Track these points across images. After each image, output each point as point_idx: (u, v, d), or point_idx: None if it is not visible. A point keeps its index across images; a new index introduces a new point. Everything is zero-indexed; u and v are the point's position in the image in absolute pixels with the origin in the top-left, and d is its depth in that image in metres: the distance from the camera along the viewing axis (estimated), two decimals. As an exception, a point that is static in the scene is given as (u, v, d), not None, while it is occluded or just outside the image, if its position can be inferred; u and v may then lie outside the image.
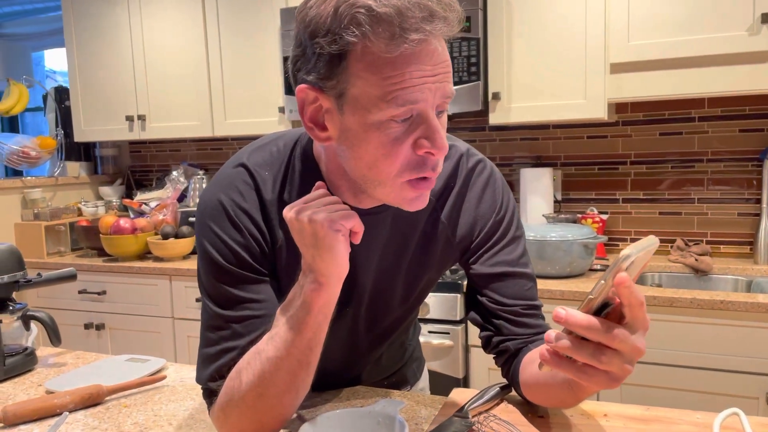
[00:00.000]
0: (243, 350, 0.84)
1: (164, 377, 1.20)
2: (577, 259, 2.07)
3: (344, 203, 0.78)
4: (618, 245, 2.48)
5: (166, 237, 2.68)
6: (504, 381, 1.02)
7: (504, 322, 0.96)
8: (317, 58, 0.73)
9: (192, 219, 2.80)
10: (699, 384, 1.81)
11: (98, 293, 2.72)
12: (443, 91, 0.73)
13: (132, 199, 3.15)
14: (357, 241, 0.78)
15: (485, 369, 2.07)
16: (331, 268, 0.76)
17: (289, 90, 2.54)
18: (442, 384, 2.03)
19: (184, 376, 1.24)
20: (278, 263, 0.90)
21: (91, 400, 1.08)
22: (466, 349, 2.09)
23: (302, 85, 0.76)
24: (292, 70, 0.79)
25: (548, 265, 2.06)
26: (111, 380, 1.15)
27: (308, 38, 0.74)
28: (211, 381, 0.87)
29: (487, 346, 1.00)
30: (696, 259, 2.21)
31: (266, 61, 2.65)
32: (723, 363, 1.79)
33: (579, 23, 2.13)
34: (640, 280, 2.23)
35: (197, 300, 2.52)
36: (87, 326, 2.74)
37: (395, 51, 0.69)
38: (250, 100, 2.71)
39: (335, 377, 1.08)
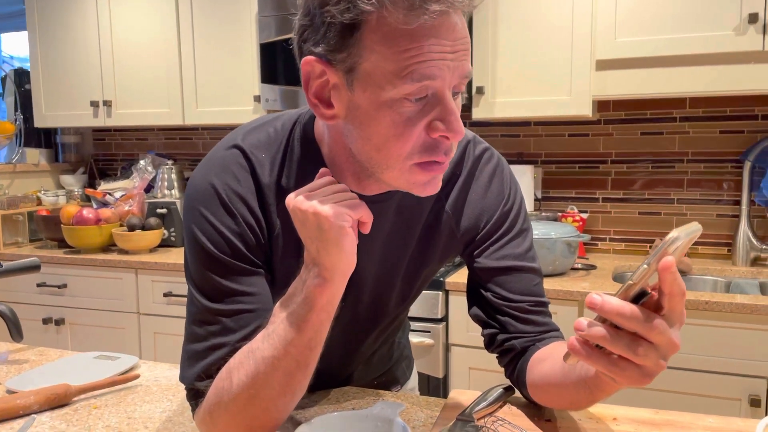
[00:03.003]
0: (234, 348, 0.77)
1: (137, 376, 1.11)
2: (560, 258, 2.03)
3: (351, 191, 0.72)
4: (597, 244, 2.47)
5: (132, 229, 2.56)
6: (505, 382, 0.96)
7: (510, 318, 0.90)
8: (327, 28, 0.67)
9: (160, 210, 2.69)
10: (682, 385, 1.80)
11: (58, 286, 2.58)
12: (461, 70, 0.68)
13: (95, 188, 3.01)
14: (366, 231, 0.72)
15: (465, 368, 2.03)
16: (336, 263, 0.69)
17: (265, 78, 2.45)
18: (421, 383, 1.97)
19: (158, 374, 1.15)
20: (274, 253, 0.83)
21: (58, 401, 0.99)
22: (447, 348, 2.04)
23: (309, 57, 0.70)
24: (298, 41, 0.72)
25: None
26: (79, 379, 1.06)
27: (318, 5, 0.67)
28: (197, 381, 0.79)
29: (490, 344, 0.94)
30: (675, 260, 2.20)
31: (242, 47, 2.55)
32: (706, 364, 1.77)
33: (566, 19, 2.10)
34: (620, 280, 2.22)
35: (165, 295, 2.42)
36: (45, 321, 2.61)
37: (414, 22, 0.64)
38: (224, 87, 2.61)
39: (327, 377, 1.01)
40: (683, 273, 2.18)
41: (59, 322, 2.60)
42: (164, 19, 2.67)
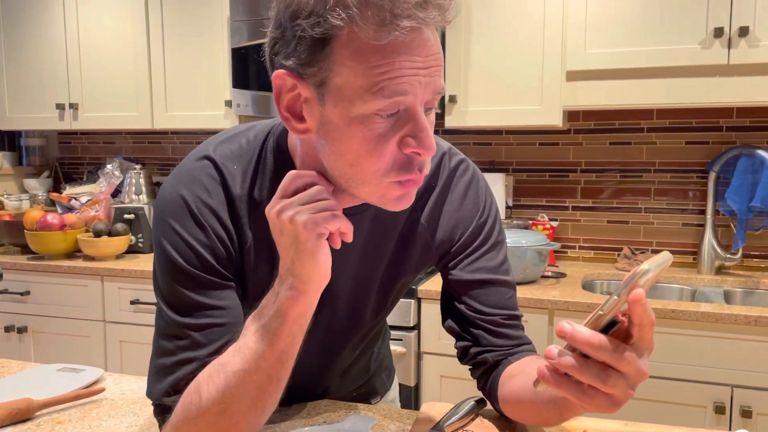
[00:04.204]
0: (203, 362, 0.75)
1: (102, 389, 1.08)
2: (531, 266, 2.05)
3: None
4: (567, 252, 2.50)
5: (98, 235, 2.51)
6: (477, 394, 0.96)
7: (483, 332, 0.90)
8: (298, 42, 0.67)
9: (127, 216, 2.64)
10: (649, 393, 1.82)
11: (21, 293, 2.51)
12: (434, 86, 0.67)
13: (60, 193, 2.94)
14: (348, 240, 0.71)
15: (437, 377, 2.03)
16: (311, 275, 0.69)
17: (237, 83, 2.42)
18: (392, 392, 1.97)
19: (124, 388, 1.13)
20: (246, 265, 0.82)
21: (19, 416, 0.96)
22: (419, 356, 2.04)
23: (280, 71, 0.69)
24: (269, 54, 0.71)
25: (501, 272, 2.03)
26: (41, 393, 1.03)
27: (289, 19, 0.67)
28: (165, 396, 0.77)
29: (463, 356, 0.94)
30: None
31: (213, 51, 2.53)
32: (672, 372, 1.80)
33: (537, 30, 2.12)
34: (589, 288, 2.24)
35: (132, 302, 2.37)
36: (7, 329, 2.54)
37: (385, 38, 0.63)
38: (195, 92, 2.58)
39: (302, 391, 1.00)
40: (650, 281, 2.22)
41: (22, 330, 2.53)
42: (133, 21, 2.63)
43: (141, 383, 1.15)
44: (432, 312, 2.01)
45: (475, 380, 0.95)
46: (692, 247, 2.35)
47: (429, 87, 0.67)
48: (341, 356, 0.99)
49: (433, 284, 2.05)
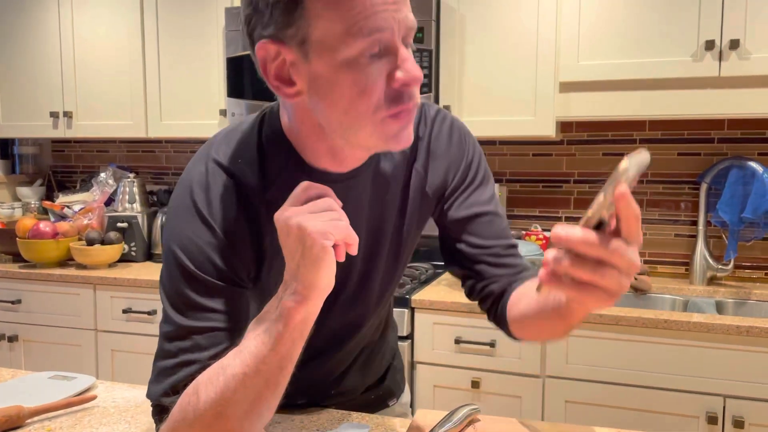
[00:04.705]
0: (204, 365, 0.75)
1: (94, 397, 1.08)
2: (524, 276, 2.05)
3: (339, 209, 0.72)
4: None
5: (91, 243, 2.50)
6: (469, 402, 0.97)
7: (485, 265, 0.95)
8: (272, 9, 0.70)
9: (120, 225, 2.63)
10: (641, 403, 1.82)
11: (12, 302, 2.50)
12: (407, 22, 0.72)
13: (53, 201, 2.93)
14: (353, 252, 0.72)
15: (431, 386, 2.02)
16: (315, 281, 0.69)
17: (232, 92, 2.43)
18: (385, 402, 1.96)
19: (116, 396, 1.12)
20: (264, 260, 0.83)
21: (10, 424, 0.96)
22: (412, 366, 2.04)
23: (261, 42, 0.72)
24: (247, 31, 0.74)
25: (495, 281, 2.04)
26: (33, 400, 1.02)
27: None
28: (164, 396, 0.78)
29: (471, 293, 0.99)
30: (635, 278, 2.25)
31: (208, 61, 2.53)
32: (665, 382, 1.81)
33: (531, 42, 2.14)
34: (582, 298, 2.25)
35: (124, 311, 2.36)
36: (-2, 338, 2.52)
37: None
38: (189, 101, 2.58)
39: (320, 387, 1.03)
40: (643, 291, 2.23)
41: (12, 339, 2.51)
42: (129, 30, 2.63)
43: (133, 391, 1.14)
44: (425, 322, 2.01)
45: (485, 312, 0.99)
46: (684, 258, 2.36)
47: (403, 23, 0.71)
48: (361, 333, 1.00)
49: (427, 294, 2.06)
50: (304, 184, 0.72)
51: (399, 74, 0.71)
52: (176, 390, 0.76)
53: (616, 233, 0.60)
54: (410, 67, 0.71)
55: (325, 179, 0.78)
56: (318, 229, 0.67)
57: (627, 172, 0.57)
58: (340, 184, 0.82)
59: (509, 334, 0.96)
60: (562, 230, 0.59)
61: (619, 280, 0.61)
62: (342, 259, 0.71)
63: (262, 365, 0.70)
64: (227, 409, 0.71)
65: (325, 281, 0.70)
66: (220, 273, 0.79)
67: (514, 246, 0.97)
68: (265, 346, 0.70)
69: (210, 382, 0.72)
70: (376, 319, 1.04)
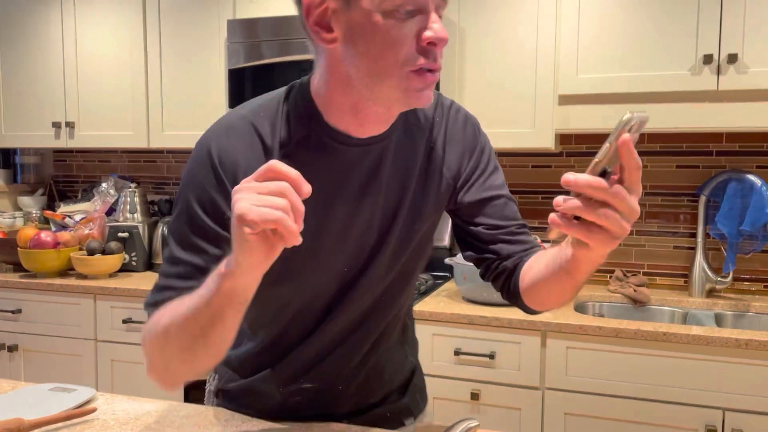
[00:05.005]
0: (180, 294, 0.83)
1: (94, 409, 1.08)
2: (524, 288, 2.06)
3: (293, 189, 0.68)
4: (559, 274, 2.50)
5: (91, 253, 2.51)
6: (469, 416, 0.98)
7: (502, 244, 0.99)
8: None
9: (121, 234, 2.64)
10: (641, 415, 1.82)
11: (12, 311, 2.50)
12: None
13: (54, 210, 2.94)
14: (288, 244, 0.67)
15: (430, 398, 2.01)
16: (239, 259, 0.69)
17: (233, 103, 2.44)
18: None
19: (116, 408, 1.13)
20: None
21: (10, 437, 0.96)
22: (411, 377, 2.04)
23: None
24: None
25: (493, 292, 2.04)
26: (33, 413, 1.03)
27: None
28: (148, 307, 0.88)
29: (485, 273, 1.04)
30: (634, 290, 2.25)
31: (210, 72, 2.55)
32: (664, 394, 1.81)
33: (530, 55, 2.16)
34: (581, 309, 2.25)
35: (124, 321, 2.36)
36: (-2, 347, 2.52)
37: None
38: (191, 111, 2.59)
39: (333, 396, 1.03)
40: (642, 303, 2.23)
41: (12, 349, 2.52)
42: (132, 41, 2.65)
43: (133, 403, 1.14)
44: (425, 333, 2.01)
45: (499, 291, 1.04)
46: (683, 270, 2.36)
47: None
48: (369, 323, 1.01)
49: (426, 305, 2.06)
50: (271, 162, 0.68)
51: (428, 33, 0.79)
52: (157, 305, 0.85)
53: (620, 182, 0.66)
54: (439, 29, 0.79)
55: (343, 141, 0.89)
56: (242, 212, 0.65)
57: (629, 122, 0.62)
58: (358, 149, 0.90)
59: (523, 306, 1.01)
60: (572, 175, 0.64)
61: (621, 224, 0.66)
62: (288, 245, 0.68)
63: (197, 314, 0.76)
64: (168, 342, 0.80)
65: (249, 261, 0.69)
66: (222, 221, 0.84)
67: (526, 225, 1.04)
68: (202, 300, 0.75)
69: (166, 312, 0.81)
70: (386, 312, 1.03)
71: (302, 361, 1.00)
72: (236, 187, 0.68)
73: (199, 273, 0.82)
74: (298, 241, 0.67)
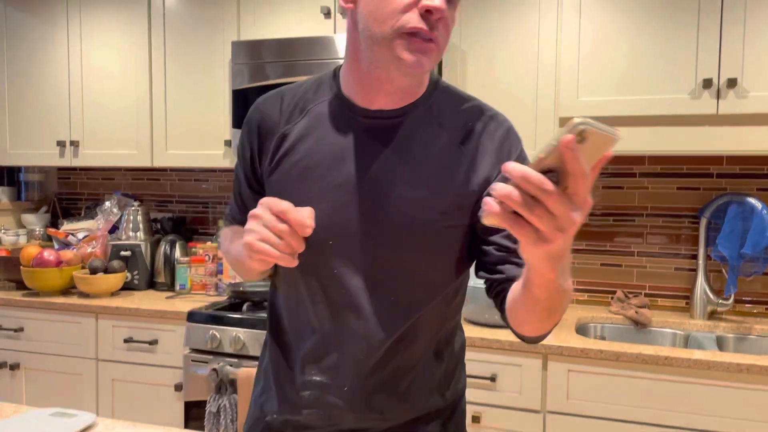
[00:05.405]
0: (233, 220, 1.16)
1: (95, 436, 1.09)
2: (525, 310, 2.06)
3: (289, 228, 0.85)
4: (560, 295, 2.50)
5: (94, 272, 2.52)
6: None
7: (510, 265, 0.96)
8: None
9: (124, 253, 2.66)
10: (642, 439, 1.82)
11: (15, 330, 2.51)
12: None
13: (58, 228, 2.96)
14: (264, 266, 0.87)
15: (430, 420, 2.01)
16: (245, 257, 0.88)
17: (237, 123, 2.46)
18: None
19: (117, 434, 1.13)
20: (278, 151, 1.02)
21: (11, 465, 0.96)
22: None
23: None
24: None
25: (486, 312, 2.04)
26: (34, 440, 1.03)
27: None
28: (224, 221, 1.21)
29: (489, 291, 1.01)
30: (636, 312, 2.25)
31: (214, 93, 2.57)
32: (666, 418, 1.80)
33: (531, 78, 2.17)
34: (583, 331, 2.25)
35: (125, 341, 2.37)
36: (0, 366, 2.52)
37: None
38: (195, 131, 2.61)
39: (340, 397, 1.00)
40: (644, 325, 2.23)
41: (14, 367, 2.52)
42: (137, 61, 2.68)
43: (133, 429, 1.14)
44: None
45: (499, 311, 0.99)
46: (685, 292, 2.36)
47: None
48: (378, 320, 0.98)
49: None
50: (271, 200, 0.85)
51: (426, 1, 0.86)
52: (226, 221, 1.18)
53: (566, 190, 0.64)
54: (437, 1, 0.86)
55: (351, 109, 0.99)
56: (248, 243, 0.84)
57: (577, 126, 0.58)
58: (366, 120, 0.98)
59: (511, 329, 0.97)
60: (512, 164, 0.62)
61: (552, 227, 0.63)
62: (271, 264, 0.87)
63: (234, 252, 1.01)
64: (226, 256, 1.10)
65: (251, 261, 0.86)
66: (247, 164, 1.07)
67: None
68: (233, 246, 1.02)
69: (226, 237, 1.12)
70: (398, 313, 0.99)
71: (314, 342, 1.01)
72: (252, 212, 0.86)
73: (240, 211, 1.11)
74: (293, 264, 0.84)
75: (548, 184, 0.60)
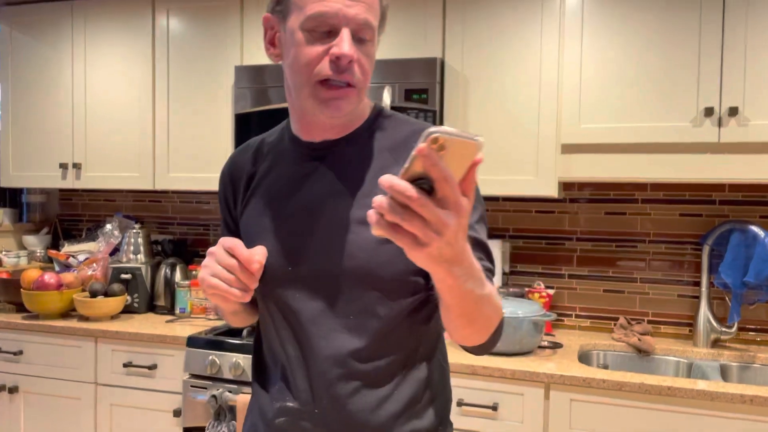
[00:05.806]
0: None
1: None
2: (527, 337, 2.05)
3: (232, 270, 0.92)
4: (563, 320, 2.49)
5: (94, 295, 2.51)
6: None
7: None
8: None
9: (124, 276, 2.65)
10: (646, 471, 1.79)
11: (14, 353, 2.49)
12: (356, 19, 0.92)
13: (59, 250, 2.95)
14: (225, 302, 0.95)
15: None
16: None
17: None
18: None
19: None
20: (243, 205, 1.09)
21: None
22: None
23: (265, 14, 1.00)
24: (268, 9, 1.01)
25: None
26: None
27: None
28: None
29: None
30: (639, 339, 2.24)
31: (217, 116, 2.58)
32: (669, 450, 1.78)
33: (533, 105, 2.18)
34: (585, 359, 2.24)
35: (125, 365, 2.35)
36: (-2, 389, 2.51)
37: None
38: (197, 154, 2.62)
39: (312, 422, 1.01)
40: (647, 353, 2.21)
41: (13, 390, 2.50)
42: (140, 85, 2.70)
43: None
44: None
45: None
46: (688, 319, 2.35)
47: (352, 18, 0.92)
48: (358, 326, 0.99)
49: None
50: (225, 238, 0.92)
51: (334, 49, 0.91)
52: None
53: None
54: (343, 45, 0.91)
55: (298, 144, 1.05)
56: (201, 278, 0.92)
57: (430, 135, 0.61)
58: (313, 151, 1.04)
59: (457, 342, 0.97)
60: (383, 176, 0.64)
61: (426, 232, 0.65)
62: (229, 301, 0.93)
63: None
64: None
65: (212, 300, 0.95)
66: (225, 210, 1.15)
67: (492, 270, 0.98)
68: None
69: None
70: (360, 327, 0.99)
71: (284, 369, 1.05)
72: (210, 249, 0.92)
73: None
74: (245, 299, 0.91)
75: (411, 191, 0.63)
